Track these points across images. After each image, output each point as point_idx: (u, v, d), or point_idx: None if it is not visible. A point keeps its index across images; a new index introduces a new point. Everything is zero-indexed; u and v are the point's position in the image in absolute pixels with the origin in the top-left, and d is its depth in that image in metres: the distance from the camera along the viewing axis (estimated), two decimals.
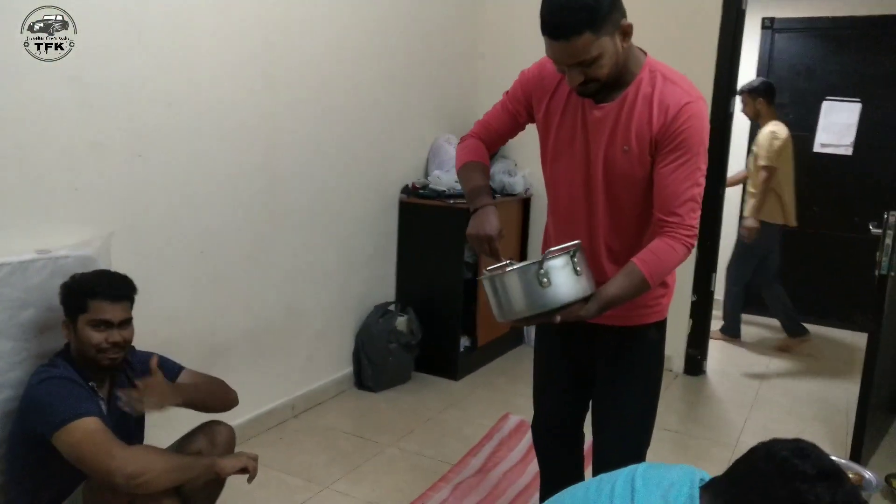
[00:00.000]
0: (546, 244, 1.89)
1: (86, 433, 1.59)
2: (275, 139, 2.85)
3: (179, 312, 2.52)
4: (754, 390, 3.82)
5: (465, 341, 3.80)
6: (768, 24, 5.08)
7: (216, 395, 2.01)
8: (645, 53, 1.58)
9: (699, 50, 3.68)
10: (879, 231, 2.68)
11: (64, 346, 1.81)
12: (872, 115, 4.87)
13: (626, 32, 1.47)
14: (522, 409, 3.32)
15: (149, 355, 1.91)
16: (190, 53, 2.41)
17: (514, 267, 1.42)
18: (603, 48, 1.43)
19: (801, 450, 0.98)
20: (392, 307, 3.59)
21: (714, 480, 1.06)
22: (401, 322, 3.53)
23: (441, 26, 3.91)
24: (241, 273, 2.79)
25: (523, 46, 4.53)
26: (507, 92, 1.79)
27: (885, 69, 4.82)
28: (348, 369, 3.51)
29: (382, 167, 3.58)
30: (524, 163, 4.20)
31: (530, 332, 4.29)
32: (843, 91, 4.96)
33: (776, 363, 4.32)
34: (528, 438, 3.02)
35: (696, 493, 1.02)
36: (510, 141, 4.20)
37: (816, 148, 5.03)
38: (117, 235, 2.21)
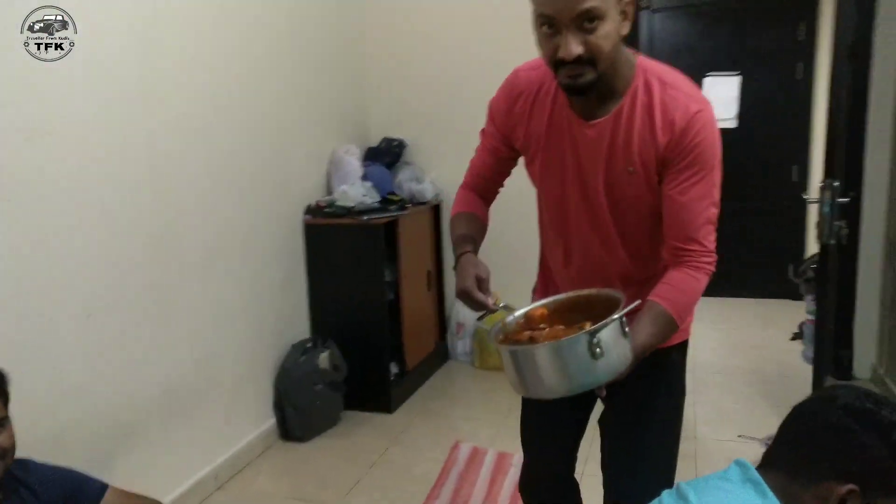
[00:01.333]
0: (544, 275, 1.63)
1: None
2: (162, 177, 2.41)
3: (73, 387, 2.05)
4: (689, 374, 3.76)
5: (392, 368, 3.48)
6: (646, 6, 5.10)
7: None
8: (636, 53, 1.34)
9: None
10: (816, 201, 2.63)
11: None
12: (751, 88, 5.02)
13: (627, 13, 1.22)
14: (470, 435, 3.06)
15: (56, 472, 1.48)
16: (52, 77, 1.94)
17: (562, 340, 1.15)
18: (609, 12, 1.18)
19: (876, 400, 0.98)
20: (311, 343, 3.21)
21: (768, 456, 1.05)
22: (323, 358, 3.16)
23: (325, 31, 3.56)
24: (139, 333, 2.33)
25: (409, 44, 4.31)
26: (483, 129, 1.54)
27: (757, 43, 4.99)
28: (271, 421, 3.10)
29: (282, 189, 3.19)
30: (430, 167, 3.94)
31: (455, 346, 4.04)
32: (722, 66, 5.08)
33: (695, 341, 4.32)
34: (487, 468, 2.76)
35: (755, 475, 1.00)
36: (414, 145, 4.02)
37: None
38: None
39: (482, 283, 1.32)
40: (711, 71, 5.10)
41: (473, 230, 1.47)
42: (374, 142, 3.98)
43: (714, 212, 1.32)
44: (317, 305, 3.40)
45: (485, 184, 1.56)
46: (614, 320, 1.15)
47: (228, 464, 2.78)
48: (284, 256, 3.22)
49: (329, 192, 3.56)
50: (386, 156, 3.89)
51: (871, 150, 3.33)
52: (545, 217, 1.54)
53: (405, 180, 3.80)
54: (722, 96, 5.07)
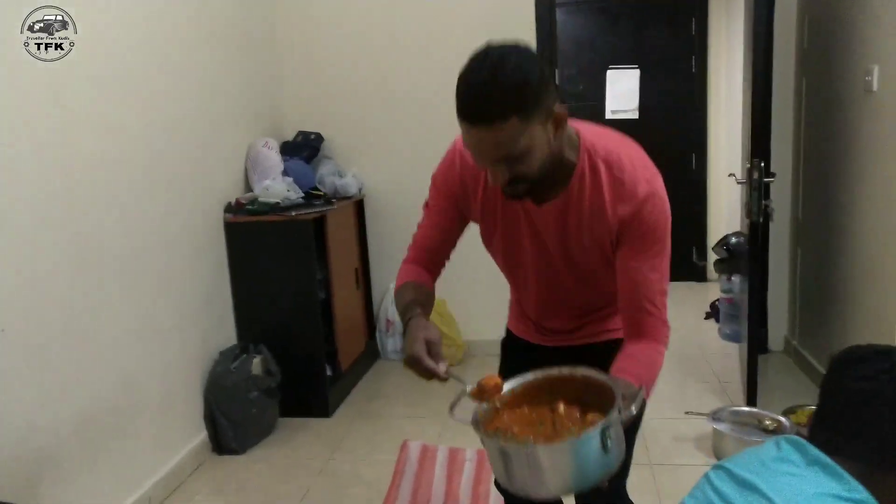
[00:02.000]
0: (521, 318, 1.62)
1: None
2: (76, 181, 2.16)
3: None
4: None
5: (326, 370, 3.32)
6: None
7: None
8: (577, 130, 1.30)
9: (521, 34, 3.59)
10: (744, 181, 2.75)
11: None
12: (649, 81, 5.23)
13: (560, 120, 1.19)
14: (416, 432, 2.97)
15: None
16: None
17: (580, 437, 1.04)
18: (533, 139, 1.14)
19: None
20: (240, 350, 3.00)
21: (816, 423, 1.04)
22: (255, 364, 2.97)
23: (235, 26, 3.34)
24: (58, 350, 2.08)
25: (321, 38, 4.14)
26: (427, 204, 1.49)
27: (655, 40, 5.21)
28: (202, 435, 2.87)
29: (200, 188, 2.95)
30: (349, 162, 3.81)
31: (385, 344, 3.93)
32: (623, 60, 5.26)
33: None
34: (441, 465, 2.68)
35: (820, 455, 0.98)
36: (332, 139, 3.87)
37: (608, 115, 5.28)
38: None
39: (432, 348, 1.21)
40: (612, 65, 5.26)
41: (421, 296, 1.38)
42: (290, 136, 3.79)
43: (666, 283, 1.32)
44: (243, 309, 3.19)
45: (430, 256, 1.49)
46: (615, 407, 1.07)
47: (162, 484, 2.54)
48: (206, 259, 2.99)
49: (248, 188, 3.35)
50: (304, 149, 3.72)
51: (776, 135, 3.53)
52: (504, 271, 1.54)
53: (327, 174, 3.65)
54: (623, 89, 5.25)
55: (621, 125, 5.30)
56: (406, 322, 1.29)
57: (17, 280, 1.93)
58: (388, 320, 3.87)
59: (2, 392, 1.86)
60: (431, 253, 1.48)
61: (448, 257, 1.51)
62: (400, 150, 3.74)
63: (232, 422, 2.84)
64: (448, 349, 3.75)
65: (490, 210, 1.39)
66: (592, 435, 1.02)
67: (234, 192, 3.25)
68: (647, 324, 1.30)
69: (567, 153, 1.26)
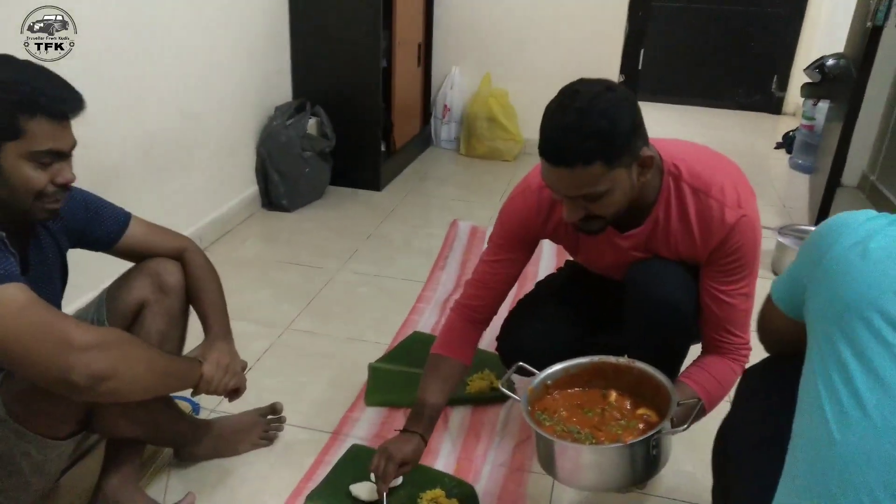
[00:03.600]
0: None
1: (13, 307, 0.94)
2: None
3: None
4: None
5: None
6: None
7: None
8: (660, 156, 1.22)
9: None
10: None
11: None
12: None
13: (646, 164, 1.14)
14: (465, 214, 2.92)
15: (80, 193, 1.26)
16: None
17: (628, 444, 1.07)
18: (615, 182, 1.10)
19: None
20: (297, 107, 2.89)
21: None
22: (311, 125, 2.87)
23: None
24: (125, 70, 2.01)
25: None
26: (492, 241, 1.41)
27: None
28: (253, 188, 2.84)
29: None
30: None
31: (439, 131, 3.80)
32: None
33: None
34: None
35: None
36: None
37: None
38: None
39: (396, 468, 1.31)
40: None
41: (440, 400, 1.37)
42: None
43: (752, 302, 1.27)
44: (301, 66, 3.03)
45: (488, 294, 1.42)
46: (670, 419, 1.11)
47: (213, 226, 2.55)
48: (266, 6, 2.80)
49: None
50: None
51: None
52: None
53: None
54: None
55: None
56: (403, 428, 1.36)
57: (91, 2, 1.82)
58: (444, 105, 3.71)
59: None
60: (492, 291, 1.41)
61: (505, 296, 1.44)
62: None
63: (284, 178, 2.80)
64: (506, 143, 3.61)
65: (571, 237, 1.36)
66: (638, 444, 1.06)
67: None
68: (727, 345, 1.29)
69: (652, 179, 1.20)
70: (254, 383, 1.51)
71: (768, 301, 0.99)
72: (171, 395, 1.41)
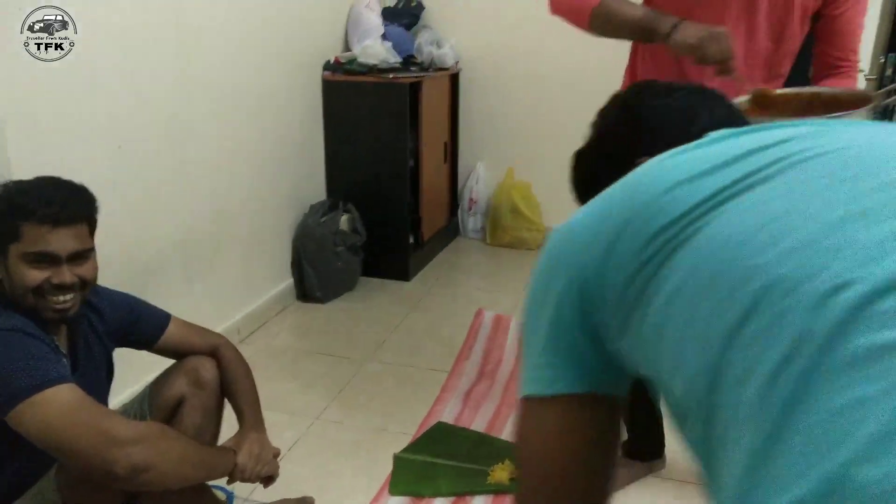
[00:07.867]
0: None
1: (64, 406, 1.07)
2: (188, 24, 2.20)
3: (102, 221, 1.91)
4: None
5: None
6: None
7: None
8: None
9: None
10: None
11: None
12: None
13: None
14: (491, 304, 3.02)
15: (123, 297, 1.42)
16: None
17: None
18: None
19: None
20: (330, 205, 3.08)
21: None
22: (343, 221, 3.05)
23: None
24: (161, 170, 2.18)
25: None
26: None
27: None
28: (288, 281, 3.00)
29: (301, 43, 2.96)
30: (450, 31, 3.72)
31: (466, 222, 3.96)
32: None
33: None
34: (514, 334, 2.73)
35: None
36: (432, 8, 3.78)
37: None
38: (12, 121, 1.56)
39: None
40: None
41: None
42: (391, 1, 3.73)
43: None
44: (334, 167, 3.25)
45: None
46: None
47: (249, 319, 2.70)
48: (302, 112, 3.04)
49: (347, 49, 3.34)
50: (404, 17, 3.65)
51: None
52: None
53: (425, 44, 3.58)
54: None
55: None
56: (673, 25, 1.29)
57: (133, 101, 2.01)
58: (471, 199, 3.88)
59: (118, 203, 1.97)
60: None
61: None
62: (500, 22, 3.62)
63: (317, 271, 2.96)
64: (530, 232, 3.75)
65: None
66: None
67: (333, 51, 3.25)
68: (851, 64, 1.39)
69: None
70: (284, 472, 1.60)
71: (533, 406, 0.64)
72: (209, 483, 1.51)
